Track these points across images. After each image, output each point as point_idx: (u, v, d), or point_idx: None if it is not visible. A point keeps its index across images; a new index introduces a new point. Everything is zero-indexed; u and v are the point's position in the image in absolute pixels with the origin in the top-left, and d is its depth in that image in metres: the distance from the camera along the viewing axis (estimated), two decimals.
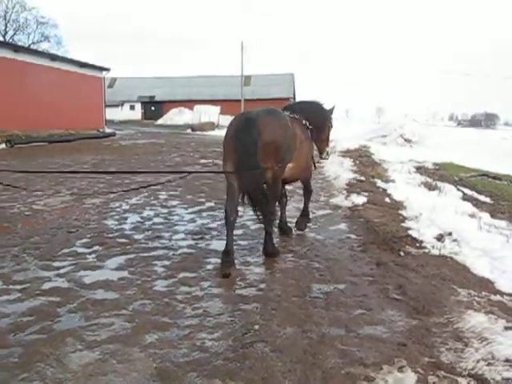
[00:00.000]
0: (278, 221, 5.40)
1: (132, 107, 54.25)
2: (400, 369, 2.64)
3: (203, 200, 7.56)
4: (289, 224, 5.60)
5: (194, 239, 5.25)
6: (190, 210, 6.78)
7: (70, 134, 21.60)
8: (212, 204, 7.22)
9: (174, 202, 7.37)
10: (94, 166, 11.68)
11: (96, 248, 4.87)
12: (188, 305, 3.48)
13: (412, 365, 2.68)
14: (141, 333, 3.03)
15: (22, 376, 2.53)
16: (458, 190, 8.87)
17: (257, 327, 3.13)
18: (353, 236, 5.50)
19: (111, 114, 39.66)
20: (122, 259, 4.53)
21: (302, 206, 5.85)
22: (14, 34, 45.73)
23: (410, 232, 5.52)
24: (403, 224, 5.95)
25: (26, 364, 2.64)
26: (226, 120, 36.92)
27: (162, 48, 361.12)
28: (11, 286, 3.78)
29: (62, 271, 4.16)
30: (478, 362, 2.71)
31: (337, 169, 11.55)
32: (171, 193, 8.15)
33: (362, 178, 9.86)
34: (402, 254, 4.78)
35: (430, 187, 8.83)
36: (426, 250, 4.91)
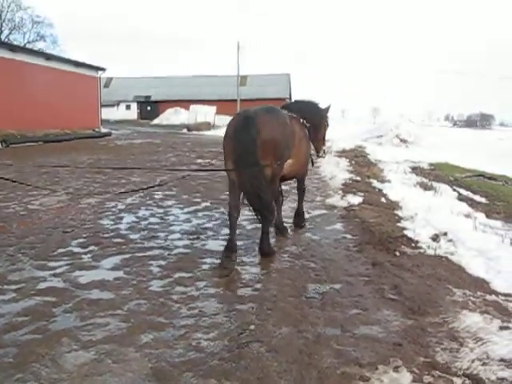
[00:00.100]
0: (274, 220, 5.40)
1: (128, 107, 54.04)
2: (395, 368, 2.64)
3: (199, 200, 7.53)
4: (285, 224, 5.61)
5: (189, 239, 5.24)
6: (185, 210, 6.77)
7: (65, 134, 21.51)
8: (208, 204, 7.20)
9: (170, 202, 7.35)
10: (89, 166, 11.63)
11: (91, 248, 4.86)
12: (183, 305, 3.47)
13: (407, 364, 2.68)
14: (136, 333, 3.02)
15: (17, 376, 2.51)
16: (454, 190, 8.90)
17: (252, 327, 3.13)
18: (348, 236, 5.51)
19: (107, 113, 39.47)
20: (117, 259, 4.52)
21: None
22: (10, 33, 45.58)
23: (405, 232, 5.54)
24: (399, 224, 5.97)
25: (20, 364, 2.63)
26: (222, 120, 36.93)
27: (159, 48, 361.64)
28: (6, 286, 3.76)
29: (57, 271, 4.15)
30: (473, 361, 2.72)
31: (333, 169, 11.57)
32: (167, 193, 8.12)
33: (358, 178, 9.89)
34: (397, 254, 4.79)
35: (426, 187, 8.86)
36: (422, 250, 4.92)
